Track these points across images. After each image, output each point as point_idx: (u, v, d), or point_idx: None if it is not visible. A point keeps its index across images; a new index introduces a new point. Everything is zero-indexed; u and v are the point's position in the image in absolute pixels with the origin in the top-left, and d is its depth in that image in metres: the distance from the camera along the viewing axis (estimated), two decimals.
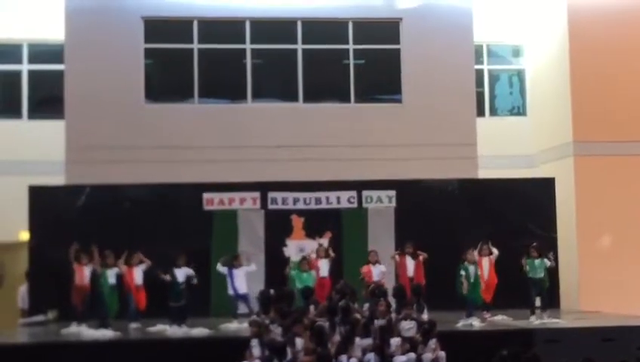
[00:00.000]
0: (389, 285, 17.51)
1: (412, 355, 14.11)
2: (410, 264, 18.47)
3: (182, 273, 17.63)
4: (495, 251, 18.49)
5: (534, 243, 18.41)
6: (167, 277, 17.50)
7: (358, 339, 14.33)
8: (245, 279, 18.29)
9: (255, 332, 14.23)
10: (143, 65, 22.13)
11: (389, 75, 22.81)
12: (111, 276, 17.49)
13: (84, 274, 17.51)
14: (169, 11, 22.17)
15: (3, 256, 22.22)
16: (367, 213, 21.04)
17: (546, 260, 18.02)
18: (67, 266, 17.57)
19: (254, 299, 16.97)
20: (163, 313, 17.54)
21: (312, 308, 15.75)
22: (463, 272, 17.60)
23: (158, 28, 22.27)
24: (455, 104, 22.38)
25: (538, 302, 18.47)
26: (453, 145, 21.86)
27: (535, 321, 17.38)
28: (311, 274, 17.98)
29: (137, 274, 18.04)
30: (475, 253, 18.14)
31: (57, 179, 20.89)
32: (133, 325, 17.85)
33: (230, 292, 18.13)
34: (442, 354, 14.17)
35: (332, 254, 18.71)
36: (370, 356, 14.10)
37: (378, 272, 18.19)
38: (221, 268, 18.31)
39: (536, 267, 17.93)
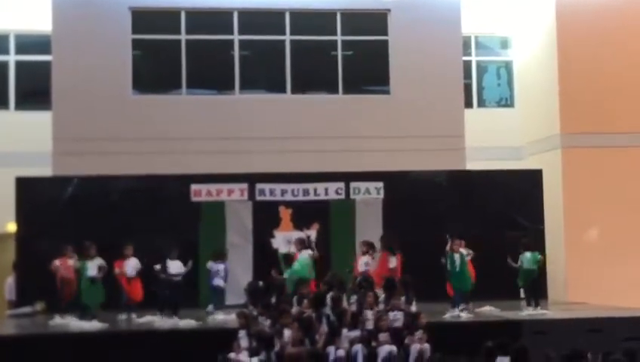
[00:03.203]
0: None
1: (394, 348, 14.16)
2: (391, 259, 18.27)
3: (175, 265, 17.71)
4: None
5: (525, 238, 18.53)
6: (159, 271, 17.68)
7: (345, 331, 14.36)
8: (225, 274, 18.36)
9: (242, 324, 14.25)
10: (131, 56, 22.07)
11: (377, 67, 22.79)
12: (91, 268, 17.39)
13: (69, 267, 17.55)
14: (156, 2, 22.12)
15: None
16: (355, 205, 21.06)
17: (538, 255, 18.13)
18: (55, 257, 17.60)
19: (242, 290, 17.05)
20: (153, 304, 17.64)
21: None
22: (445, 260, 17.64)
23: (145, 19, 22.21)
24: (443, 95, 22.39)
25: (523, 293, 18.65)
26: (441, 137, 21.88)
27: (530, 311, 17.42)
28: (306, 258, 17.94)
29: (129, 266, 18.06)
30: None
31: (45, 171, 20.80)
32: (122, 316, 17.91)
33: (216, 283, 18.18)
34: (427, 346, 14.20)
35: (316, 254, 18.37)
36: (358, 347, 14.12)
37: (362, 263, 18.07)
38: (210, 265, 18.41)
39: (528, 260, 18.01)
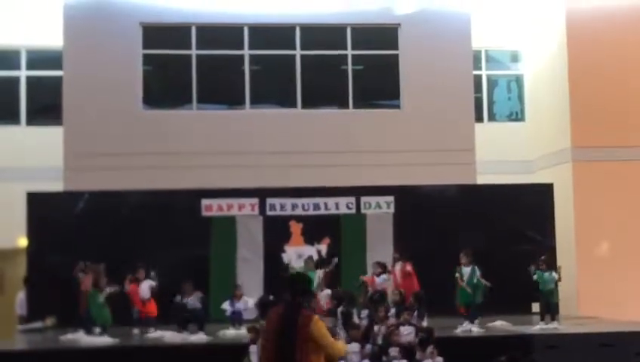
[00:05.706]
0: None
1: None
2: (397, 272, 18.17)
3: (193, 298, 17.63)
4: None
5: (543, 256, 18.34)
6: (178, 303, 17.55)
7: (356, 345, 14.31)
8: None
9: (253, 339, 14.21)
10: (141, 71, 22.15)
11: (388, 81, 22.80)
12: (101, 297, 17.24)
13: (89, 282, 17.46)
14: (167, 17, 22.18)
15: (1, 262, 22.22)
16: (366, 219, 21.01)
17: (554, 274, 17.96)
18: (66, 272, 17.59)
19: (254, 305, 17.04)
20: (164, 319, 17.60)
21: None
22: (457, 274, 17.54)
23: (156, 34, 22.29)
24: (453, 109, 22.37)
25: (537, 308, 18.53)
26: (451, 151, 21.86)
27: (542, 326, 17.30)
28: (315, 273, 17.91)
29: (144, 290, 17.98)
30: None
31: (56, 186, 20.87)
32: (135, 331, 17.88)
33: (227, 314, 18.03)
34: (440, 359, 14.16)
35: (331, 266, 18.44)
36: None
37: (380, 281, 17.97)
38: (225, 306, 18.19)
39: (546, 280, 17.78)
